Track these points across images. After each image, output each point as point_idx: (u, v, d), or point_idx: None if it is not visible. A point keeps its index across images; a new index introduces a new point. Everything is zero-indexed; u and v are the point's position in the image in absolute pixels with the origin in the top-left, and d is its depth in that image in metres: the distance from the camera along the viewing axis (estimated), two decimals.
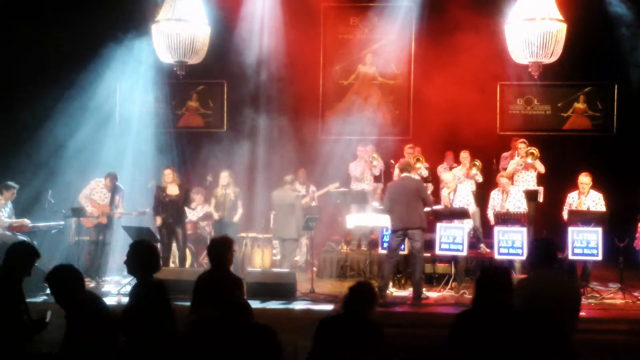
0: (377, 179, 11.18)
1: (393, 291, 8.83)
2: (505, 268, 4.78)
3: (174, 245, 9.50)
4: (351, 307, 4.45)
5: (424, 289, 8.51)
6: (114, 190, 9.68)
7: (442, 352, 4.13)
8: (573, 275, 8.64)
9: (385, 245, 8.84)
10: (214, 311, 4.09)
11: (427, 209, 9.45)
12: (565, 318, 4.63)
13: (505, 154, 11.18)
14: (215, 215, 9.95)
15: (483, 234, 10.19)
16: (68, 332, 4.34)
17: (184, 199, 9.44)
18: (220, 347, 3.88)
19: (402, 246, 8.62)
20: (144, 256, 4.76)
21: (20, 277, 4.81)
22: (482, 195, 10.21)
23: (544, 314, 4.39)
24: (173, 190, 9.37)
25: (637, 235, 8.63)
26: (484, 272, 4.37)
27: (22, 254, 4.87)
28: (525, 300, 4.44)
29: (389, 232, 8.61)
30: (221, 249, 5.20)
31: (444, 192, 9.55)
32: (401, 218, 8.29)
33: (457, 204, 9.19)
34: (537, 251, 4.93)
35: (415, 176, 10.55)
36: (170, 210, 9.29)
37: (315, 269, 9.56)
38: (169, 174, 9.40)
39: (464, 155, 10.69)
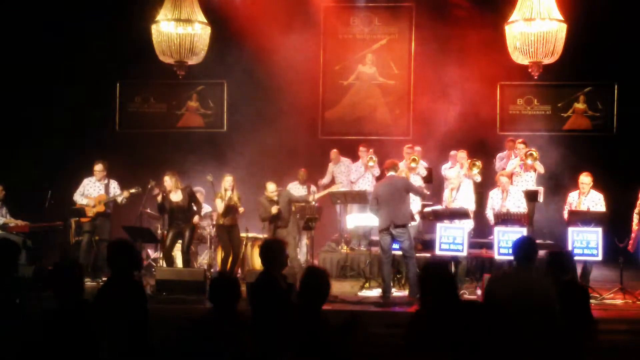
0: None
1: (393, 291, 8.82)
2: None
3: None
4: None
5: None
6: (108, 178, 9.65)
7: None
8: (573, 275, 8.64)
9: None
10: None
11: (427, 206, 9.43)
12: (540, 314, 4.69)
13: (501, 154, 11.15)
14: (220, 220, 9.75)
15: (482, 234, 10.16)
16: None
17: (190, 202, 9.26)
18: None
19: (394, 245, 8.62)
20: (120, 255, 4.77)
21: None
22: (481, 194, 10.19)
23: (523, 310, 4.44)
24: (176, 197, 9.19)
25: (632, 236, 8.64)
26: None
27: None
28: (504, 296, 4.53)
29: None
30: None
31: (446, 191, 9.54)
32: (387, 215, 8.41)
33: (459, 202, 9.17)
34: (519, 250, 4.97)
35: (416, 176, 10.56)
36: (178, 215, 9.19)
37: None
38: (167, 180, 9.13)
39: (462, 155, 10.67)
